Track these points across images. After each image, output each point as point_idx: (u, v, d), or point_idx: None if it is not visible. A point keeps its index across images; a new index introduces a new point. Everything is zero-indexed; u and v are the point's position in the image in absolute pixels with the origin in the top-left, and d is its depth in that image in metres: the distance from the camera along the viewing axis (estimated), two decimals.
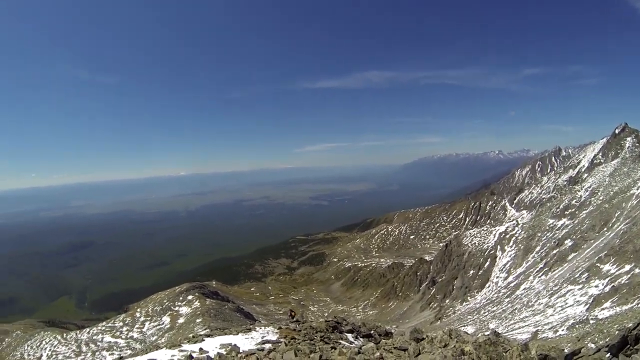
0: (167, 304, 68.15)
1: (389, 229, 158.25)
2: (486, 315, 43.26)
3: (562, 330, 23.47)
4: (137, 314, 66.11)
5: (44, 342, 62.30)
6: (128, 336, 57.58)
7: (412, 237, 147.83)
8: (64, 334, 64.41)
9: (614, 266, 33.51)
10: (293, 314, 22.90)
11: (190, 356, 10.44)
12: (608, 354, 9.32)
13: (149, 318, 63.56)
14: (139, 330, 59.56)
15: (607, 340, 12.01)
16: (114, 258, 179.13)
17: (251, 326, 11.31)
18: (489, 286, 61.20)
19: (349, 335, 14.21)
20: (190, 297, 70.42)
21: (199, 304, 65.76)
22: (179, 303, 68.17)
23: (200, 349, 11.36)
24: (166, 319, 61.41)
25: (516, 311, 38.06)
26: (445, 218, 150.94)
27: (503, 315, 38.97)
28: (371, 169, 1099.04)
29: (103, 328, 62.57)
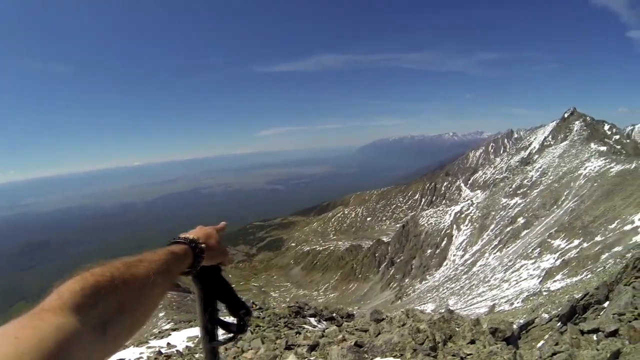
0: None
1: (346, 212, 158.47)
2: (445, 293, 44.46)
3: (518, 302, 24.32)
4: None
5: None
6: None
7: (368, 219, 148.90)
8: None
9: (564, 241, 35.20)
10: (254, 305, 22.68)
11: (159, 352, 10.04)
12: (559, 323, 9.77)
13: None
14: None
15: (559, 310, 12.51)
16: (72, 256, 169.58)
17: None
18: (446, 264, 62.98)
19: (312, 319, 14.14)
20: None
21: None
22: None
23: (168, 343, 10.93)
24: None
25: (474, 287, 39.35)
26: (401, 199, 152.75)
27: (461, 292, 40.19)
28: (328, 151, 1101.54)
29: None
